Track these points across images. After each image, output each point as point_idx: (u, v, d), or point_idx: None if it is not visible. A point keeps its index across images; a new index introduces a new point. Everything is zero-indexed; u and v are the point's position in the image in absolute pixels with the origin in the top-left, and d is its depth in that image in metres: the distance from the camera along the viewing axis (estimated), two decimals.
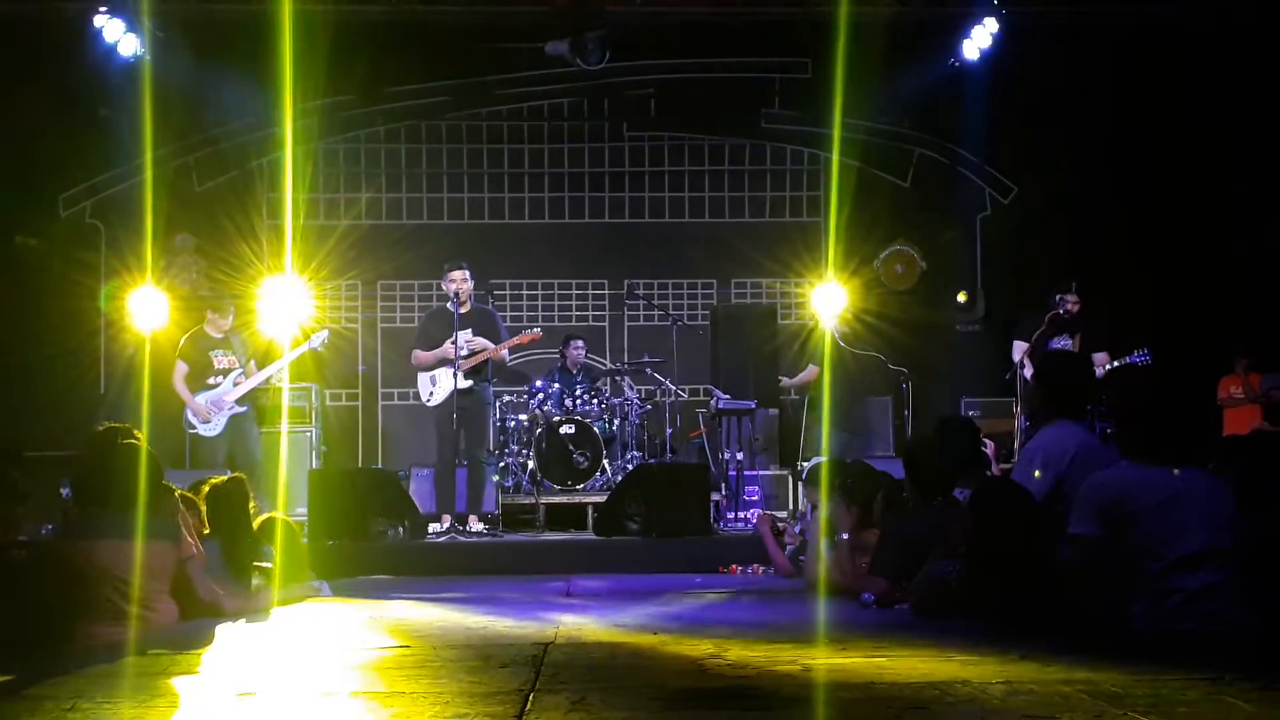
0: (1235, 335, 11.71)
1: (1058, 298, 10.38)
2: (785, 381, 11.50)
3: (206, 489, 6.73)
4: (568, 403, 11.32)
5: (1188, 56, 11.77)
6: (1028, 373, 10.55)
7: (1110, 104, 12.21)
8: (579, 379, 11.78)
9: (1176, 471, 5.08)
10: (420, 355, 10.17)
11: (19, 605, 5.29)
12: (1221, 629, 4.83)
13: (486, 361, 10.13)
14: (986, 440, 7.36)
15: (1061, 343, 10.38)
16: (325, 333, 10.61)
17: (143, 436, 5.80)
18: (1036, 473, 5.82)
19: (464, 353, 9.87)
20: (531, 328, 10.73)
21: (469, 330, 9.99)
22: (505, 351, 10.28)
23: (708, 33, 12.81)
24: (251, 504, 6.94)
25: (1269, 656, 4.61)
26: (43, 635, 5.25)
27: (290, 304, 10.72)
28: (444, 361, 9.95)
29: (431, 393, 10.06)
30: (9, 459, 7.07)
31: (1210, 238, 11.94)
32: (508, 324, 11.05)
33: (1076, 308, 10.42)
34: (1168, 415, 5.27)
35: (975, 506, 5.74)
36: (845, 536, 7.03)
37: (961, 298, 12.70)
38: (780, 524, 8.72)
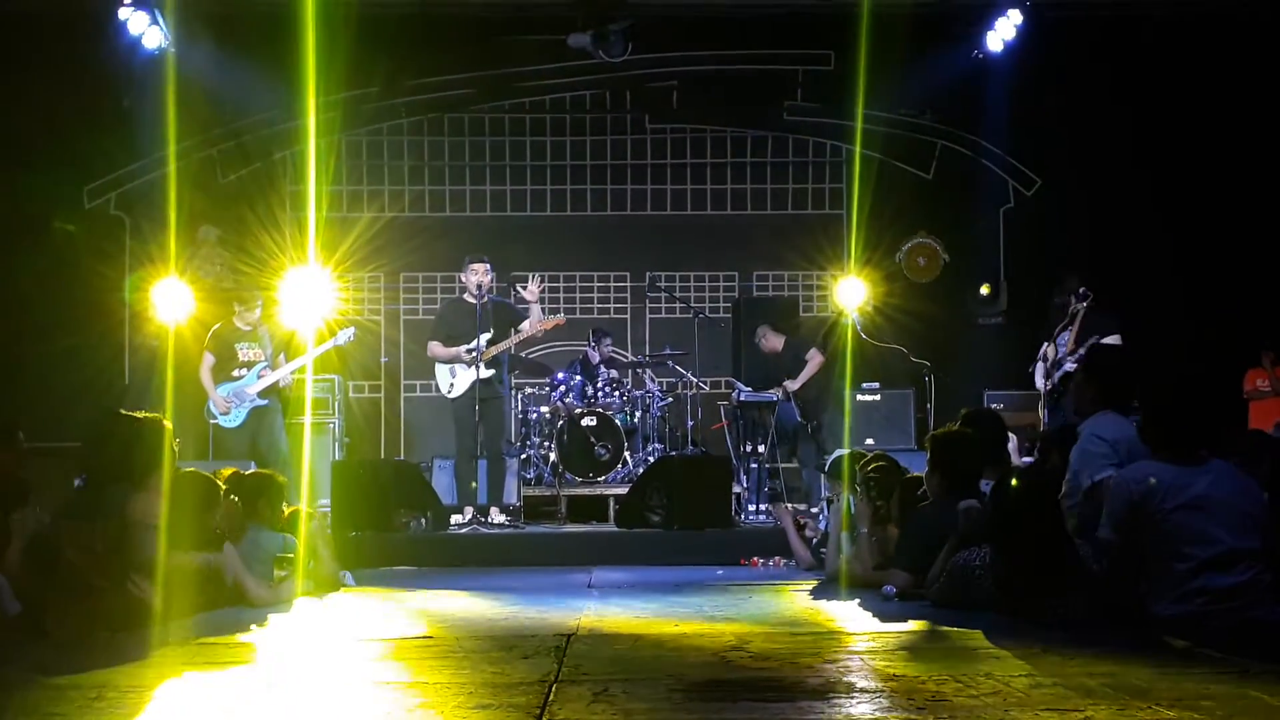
0: (1261, 328, 11.63)
1: (1065, 299, 10.35)
2: (790, 385, 11.28)
3: (223, 479, 6.77)
4: (589, 395, 11.34)
5: (1211, 47, 11.70)
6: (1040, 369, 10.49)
7: (1133, 95, 12.13)
8: (600, 371, 11.78)
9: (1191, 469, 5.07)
10: (437, 349, 10.17)
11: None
12: (1250, 627, 4.80)
13: (505, 352, 10.16)
14: (1010, 434, 7.34)
15: (1062, 337, 10.32)
16: (352, 330, 10.64)
17: (145, 415, 5.76)
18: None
19: (482, 347, 9.88)
20: (555, 315, 10.75)
21: (489, 332, 9.99)
22: (537, 332, 10.27)
23: (730, 25, 12.77)
24: (282, 502, 6.96)
25: None
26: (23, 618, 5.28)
27: (314, 296, 10.75)
28: (460, 357, 9.98)
29: (452, 384, 10.08)
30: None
31: (1236, 229, 11.86)
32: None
33: (1084, 304, 10.29)
34: (1191, 411, 5.25)
35: (999, 495, 5.73)
36: (864, 530, 7.03)
37: (984, 290, 12.65)
38: (801, 518, 8.72)
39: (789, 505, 9.74)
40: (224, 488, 6.41)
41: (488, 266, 10.13)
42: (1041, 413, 10.12)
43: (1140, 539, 5.04)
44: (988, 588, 5.67)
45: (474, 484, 10.06)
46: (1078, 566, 5.35)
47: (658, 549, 9.35)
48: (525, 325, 10.14)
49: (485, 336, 9.94)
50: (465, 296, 10.23)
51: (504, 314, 10.23)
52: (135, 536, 5.34)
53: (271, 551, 6.63)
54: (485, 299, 9.98)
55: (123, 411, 5.79)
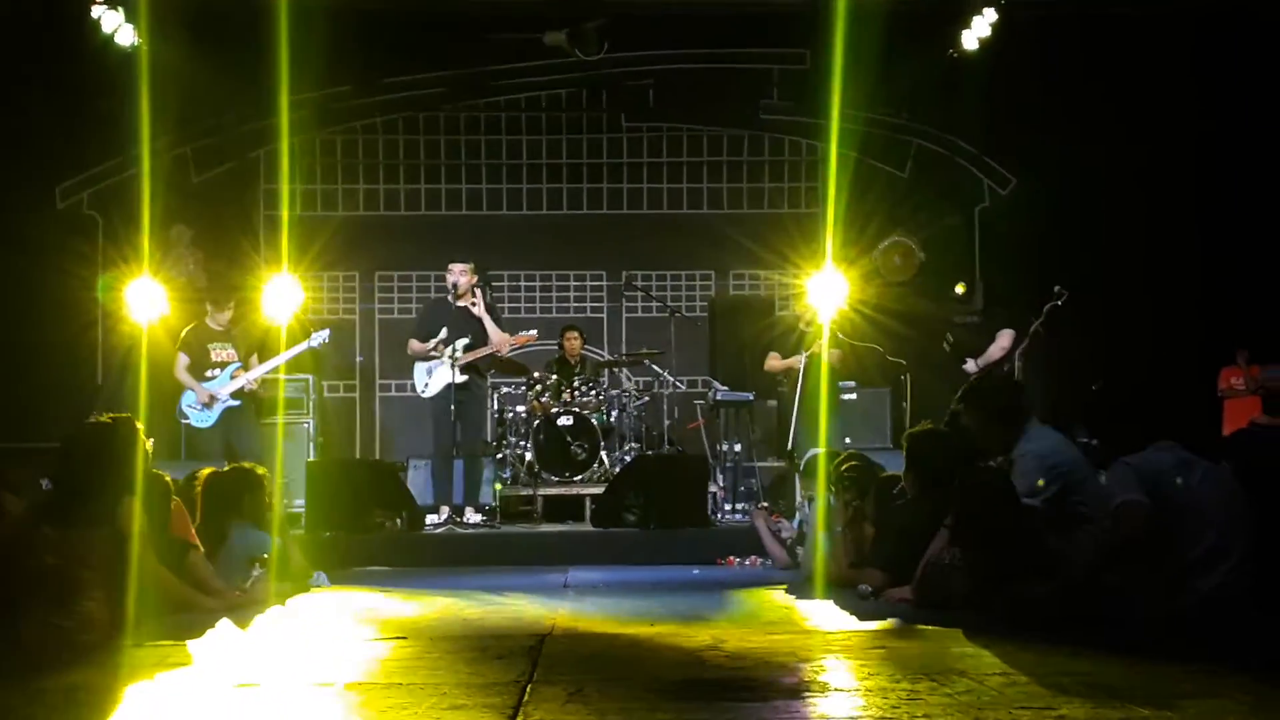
0: (1236, 326, 11.69)
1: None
2: (774, 363, 11.14)
3: (201, 480, 6.73)
4: (565, 394, 11.32)
5: (1186, 46, 11.74)
6: None
7: (1108, 94, 12.17)
8: (577, 370, 11.77)
9: (1179, 480, 5.10)
10: (414, 345, 10.19)
11: None
12: (1231, 626, 4.82)
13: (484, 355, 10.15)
14: None
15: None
16: (326, 332, 10.59)
17: (132, 423, 5.71)
18: (1040, 481, 5.80)
19: (457, 354, 9.88)
20: (528, 329, 10.75)
21: (467, 337, 9.99)
22: (505, 348, 10.30)
23: (706, 23, 12.76)
24: (265, 494, 6.90)
25: (1269, 649, 4.60)
26: None
27: (288, 296, 10.69)
28: (430, 354, 10.00)
29: (426, 384, 10.07)
30: None
31: (1211, 228, 11.91)
32: (505, 317, 11.05)
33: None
34: (1160, 409, 5.31)
35: (959, 500, 5.75)
36: (840, 529, 7.03)
37: (959, 289, 12.66)
38: (776, 517, 8.72)
39: (764, 504, 9.74)
40: (173, 486, 6.33)
41: (464, 268, 10.12)
42: None
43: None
44: (962, 585, 5.67)
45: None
46: (1052, 563, 5.37)
47: (634, 548, 9.34)
48: (492, 342, 10.11)
49: (463, 341, 9.94)
50: (448, 297, 10.22)
51: (476, 320, 10.26)
52: (131, 545, 5.29)
53: (252, 550, 6.59)
54: (468, 298, 10.02)
55: (114, 416, 5.73)
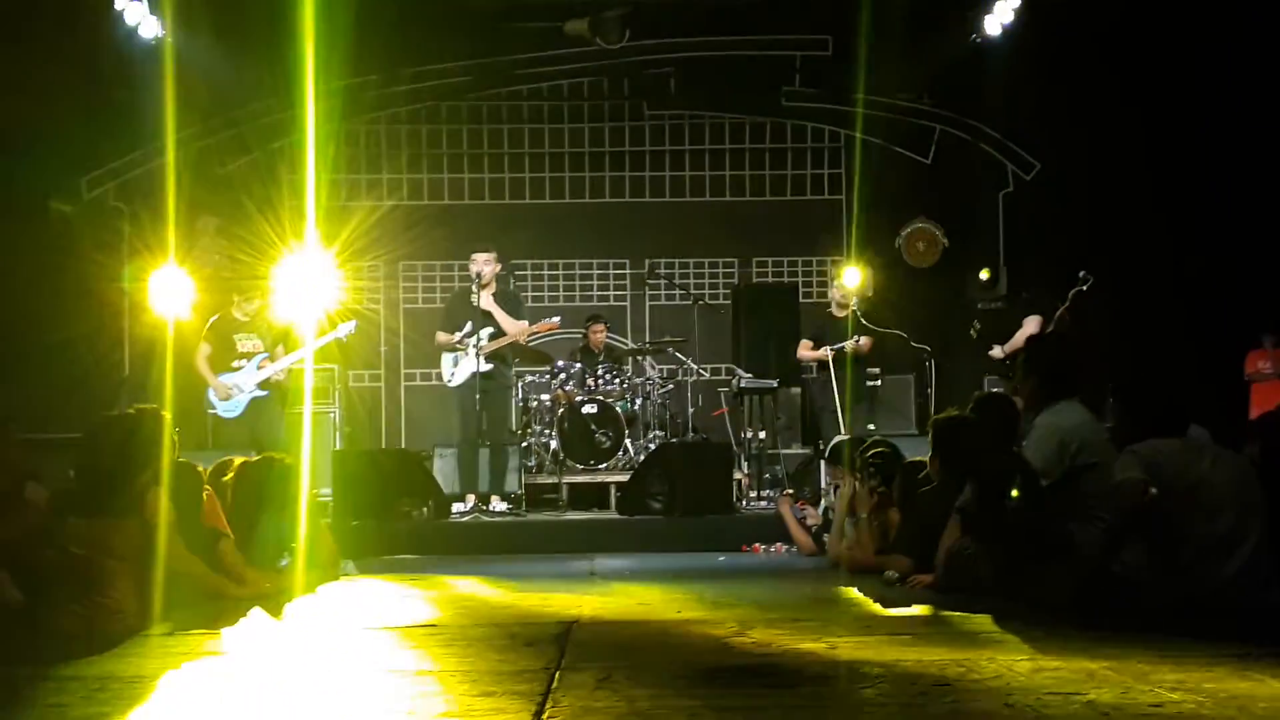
0: (1262, 310, 11.62)
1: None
2: (805, 352, 11.18)
3: (233, 470, 6.77)
4: (590, 382, 11.34)
5: (1213, 29, 11.64)
6: None
7: (1132, 78, 12.08)
8: (601, 359, 11.79)
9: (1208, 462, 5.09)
10: (441, 337, 10.27)
11: None
12: (1251, 610, 4.81)
13: (507, 345, 10.18)
14: None
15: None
16: (353, 323, 10.57)
17: (159, 414, 5.73)
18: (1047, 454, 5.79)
19: (481, 344, 9.93)
20: (550, 317, 10.76)
21: (491, 327, 10.03)
22: (524, 337, 10.32)
23: (728, 10, 12.74)
24: (295, 483, 6.93)
25: None
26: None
27: (314, 286, 10.72)
28: (454, 346, 10.04)
29: (453, 373, 10.11)
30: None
31: (1236, 211, 11.82)
32: (529, 305, 11.06)
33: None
34: (1163, 389, 5.32)
35: (970, 490, 5.76)
36: (865, 515, 7.04)
37: (984, 275, 12.62)
38: (802, 504, 8.73)
39: (789, 491, 9.75)
40: (206, 475, 6.38)
41: (487, 257, 10.14)
42: None
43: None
44: (984, 573, 5.67)
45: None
46: (1067, 549, 5.37)
47: (659, 536, 9.37)
48: (509, 332, 10.13)
49: (487, 331, 9.98)
50: (472, 287, 10.24)
51: (506, 305, 10.28)
52: (158, 535, 5.31)
53: (282, 539, 6.63)
54: (491, 287, 10.06)
55: (140, 407, 5.76)
